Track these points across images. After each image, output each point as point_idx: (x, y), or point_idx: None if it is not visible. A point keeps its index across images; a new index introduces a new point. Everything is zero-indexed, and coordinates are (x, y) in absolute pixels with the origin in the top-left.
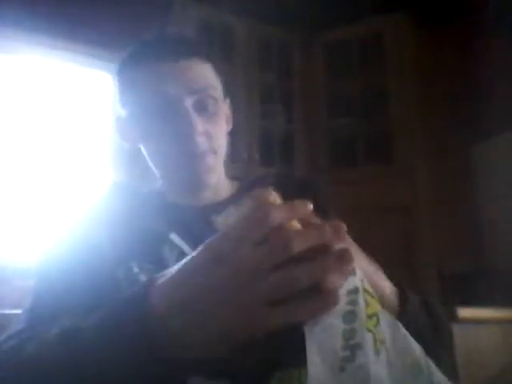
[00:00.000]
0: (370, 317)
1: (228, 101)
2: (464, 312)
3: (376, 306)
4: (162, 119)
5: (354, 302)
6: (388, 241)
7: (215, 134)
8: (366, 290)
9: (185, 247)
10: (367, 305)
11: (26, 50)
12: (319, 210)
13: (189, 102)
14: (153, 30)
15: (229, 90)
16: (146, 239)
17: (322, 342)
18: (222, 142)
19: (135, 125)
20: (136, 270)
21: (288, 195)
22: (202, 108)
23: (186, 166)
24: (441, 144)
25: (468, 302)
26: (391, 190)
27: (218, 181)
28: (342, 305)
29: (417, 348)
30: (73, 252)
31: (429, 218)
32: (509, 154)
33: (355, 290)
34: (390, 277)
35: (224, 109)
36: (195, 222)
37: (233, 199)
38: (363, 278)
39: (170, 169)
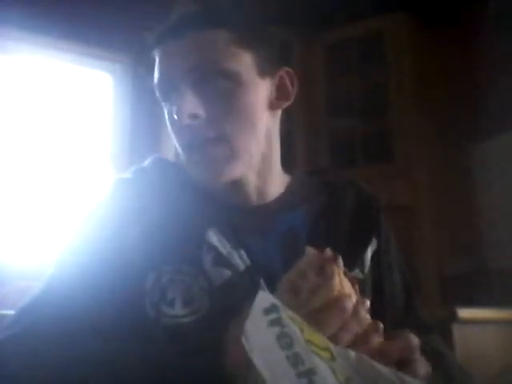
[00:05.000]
0: (322, 349)
1: (280, 76)
2: (464, 312)
3: (325, 341)
4: (168, 105)
5: (278, 322)
6: None
7: (225, 116)
8: (299, 321)
9: (222, 249)
10: (307, 333)
11: (26, 50)
12: (382, 246)
13: (189, 82)
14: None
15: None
16: (181, 236)
17: (273, 374)
18: (239, 126)
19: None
20: (166, 278)
21: (349, 220)
22: (204, 85)
23: (188, 159)
24: (441, 144)
25: (468, 302)
26: (391, 189)
27: (259, 177)
28: (265, 326)
29: (390, 375)
30: (93, 252)
31: (429, 217)
32: (509, 154)
33: (273, 308)
34: None
35: (256, 87)
36: (237, 223)
37: (283, 202)
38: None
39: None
